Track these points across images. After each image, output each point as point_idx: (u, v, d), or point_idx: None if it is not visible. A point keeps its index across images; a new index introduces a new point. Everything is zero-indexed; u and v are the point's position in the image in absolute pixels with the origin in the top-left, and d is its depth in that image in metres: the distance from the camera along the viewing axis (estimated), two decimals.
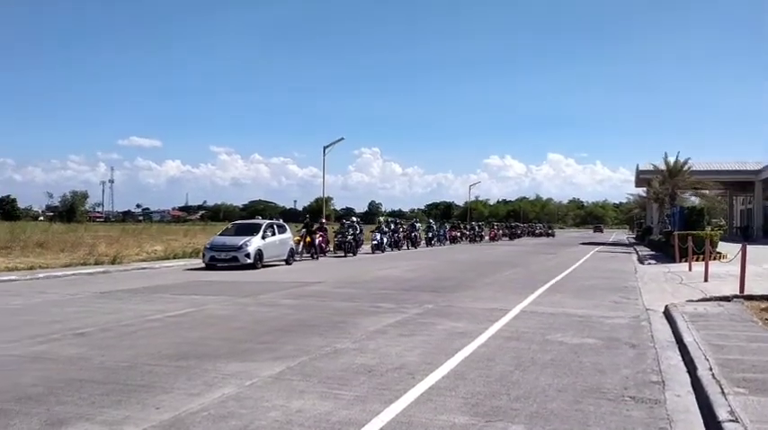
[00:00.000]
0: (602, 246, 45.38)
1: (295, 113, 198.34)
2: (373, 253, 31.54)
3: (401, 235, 36.99)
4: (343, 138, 39.57)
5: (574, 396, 5.82)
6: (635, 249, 39.17)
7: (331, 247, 29.70)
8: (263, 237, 22.22)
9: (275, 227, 23.72)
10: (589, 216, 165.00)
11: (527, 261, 27.06)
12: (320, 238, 27.97)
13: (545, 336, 8.83)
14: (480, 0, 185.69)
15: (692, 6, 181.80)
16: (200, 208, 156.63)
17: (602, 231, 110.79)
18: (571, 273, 20.68)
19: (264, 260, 21.84)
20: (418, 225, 44.12)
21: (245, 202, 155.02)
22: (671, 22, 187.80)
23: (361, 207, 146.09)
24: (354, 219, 32.62)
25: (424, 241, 41.30)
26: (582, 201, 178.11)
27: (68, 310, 11.24)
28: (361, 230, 31.66)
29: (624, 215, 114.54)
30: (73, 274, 17.88)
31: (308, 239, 26.72)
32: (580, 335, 8.97)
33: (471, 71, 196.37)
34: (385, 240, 33.43)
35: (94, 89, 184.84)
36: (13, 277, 16.50)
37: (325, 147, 37.65)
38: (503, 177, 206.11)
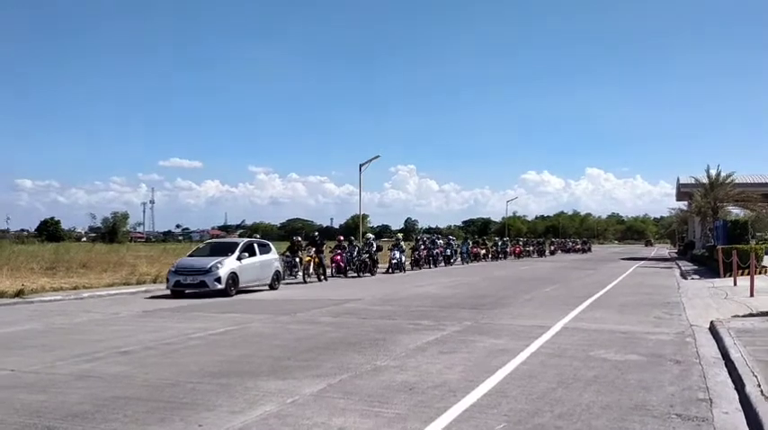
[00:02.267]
0: (643, 261, 44.64)
1: (331, 132, 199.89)
2: (391, 272, 29.22)
3: (421, 252, 33.76)
4: (378, 156, 39.73)
5: (619, 413, 5.72)
6: (677, 264, 38.45)
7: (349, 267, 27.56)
8: (240, 258, 18.86)
9: (256, 246, 20.44)
10: (629, 230, 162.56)
11: (566, 277, 26.73)
12: (338, 257, 26.69)
13: (587, 353, 8.71)
14: (518, 17, 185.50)
15: (733, 22, 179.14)
16: (238, 227, 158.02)
17: (652, 245, 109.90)
18: (612, 288, 20.37)
19: (240, 285, 18.64)
20: (454, 242, 42.60)
21: (283, 221, 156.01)
22: (712, 38, 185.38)
23: (397, 224, 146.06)
24: (370, 236, 30.43)
25: (442, 260, 37.61)
26: (622, 216, 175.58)
27: (112, 329, 11.44)
28: (377, 249, 29.50)
29: (665, 229, 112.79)
30: (116, 294, 18.19)
31: (315, 259, 23.80)
32: (623, 352, 8.82)
33: (507, 87, 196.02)
34: (404, 258, 30.80)
35: (137, 112, 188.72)
36: (58, 297, 16.84)
37: (361, 165, 37.90)
38: (541, 193, 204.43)
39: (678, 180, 53.22)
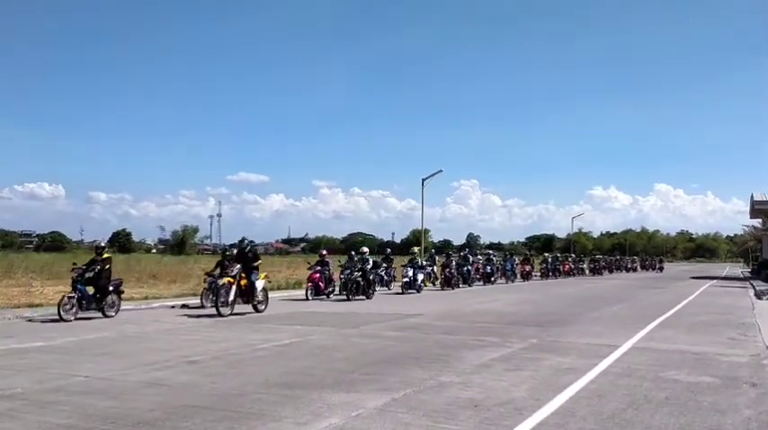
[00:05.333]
0: (714, 280, 43.18)
1: (394, 146, 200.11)
2: (402, 293, 25.17)
3: (452, 270, 29.49)
4: (441, 170, 39.28)
5: None
6: (751, 284, 37.00)
7: (336, 288, 22.90)
8: None
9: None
10: (699, 248, 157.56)
11: (634, 295, 26.07)
12: (316, 276, 22.03)
13: (658, 374, 8.46)
14: (585, 30, 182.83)
15: None
16: (301, 240, 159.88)
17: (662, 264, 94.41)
18: (683, 307, 19.77)
19: None
20: (496, 258, 37.75)
21: (345, 235, 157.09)
22: None
23: (459, 239, 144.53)
24: (365, 250, 24.05)
25: (481, 278, 33.76)
26: (691, 234, 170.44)
27: (180, 338, 11.70)
28: (385, 265, 26.84)
29: (738, 248, 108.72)
30: (184, 304, 18.58)
31: (242, 280, 16.22)
32: (696, 373, 8.54)
33: (573, 101, 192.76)
34: (420, 277, 26.40)
35: (207, 128, 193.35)
36: (129, 307, 17.30)
37: (423, 180, 37.80)
38: (607, 209, 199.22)
39: (752, 197, 51.46)
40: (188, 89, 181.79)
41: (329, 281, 22.64)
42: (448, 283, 28.82)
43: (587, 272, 52.70)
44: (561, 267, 46.51)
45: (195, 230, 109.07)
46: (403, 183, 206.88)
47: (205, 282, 18.25)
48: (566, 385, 7.60)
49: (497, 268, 35.92)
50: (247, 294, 16.25)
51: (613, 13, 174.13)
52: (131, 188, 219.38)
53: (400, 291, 25.30)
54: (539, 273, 43.18)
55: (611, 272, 57.45)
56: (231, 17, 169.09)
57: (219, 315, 15.20)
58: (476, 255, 35.79)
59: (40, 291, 20.52)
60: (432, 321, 14.96)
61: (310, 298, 21.24)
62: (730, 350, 10.77)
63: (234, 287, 15.85)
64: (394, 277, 28.36)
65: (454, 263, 30.38)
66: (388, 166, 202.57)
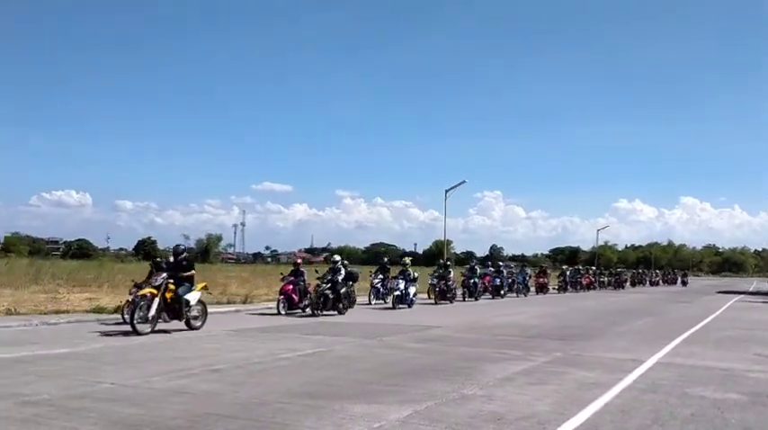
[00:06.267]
0: (741, 295, 42.55)
1: (418, 157, 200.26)
2: (394, 308, 22.66)
3: (451, 282, 27.06)
4: (465, 181, 39.46)
5: None
6: None
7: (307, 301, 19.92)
8: None
9: None
10: (726, 263, 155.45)
11: (660, 310, 25.78)
12: (289, 288, 19.55)
13: (684, 390, 8.35)
14: (612, 42, 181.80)
15: None
16: (324, 250, 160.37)
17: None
18: (709, 322, 19.49)
19: None
20: (507, 270, 35.32)
21: (367, 245, 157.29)
22: None
23: (482, 251, 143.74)
24: (337, 258, 21.05)
25: (488, 291, 31.72)
26: (718, 247, 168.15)
27: (204, 347, 11.78)
28: (381, 277, 24.99)
29: (766, 262, 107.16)
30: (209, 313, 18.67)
31: (168, 293, 13.88)
32: (722, 390, 8.41)
33: (598, 113, 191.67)
34: (412, 290, 24.11)
35: (232, 138, 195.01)
36: None
37: (446, 191, 37.82)
38: (632, 221, 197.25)
39: None
40: (214, 99, 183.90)
41: (304, 293, 19.73)
42: (443, 297, 26.28)
43: (608, 285, 50.80)
44: (581, 280, 44.92)
45: (219, 239, 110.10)
46: (426, 193, 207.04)
47: (131, 293, 15.51)
48: (590, 400, 7.53)
49: (512, 280, 34.24)
50: (173, 309, 13.99)
51: (641, 27, 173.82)
52: (157, 196, 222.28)
53: (390, 306, 23.12)
54: (556, 287, 41.74)
55: (633, 285, 55.97)
56: (260, 28, 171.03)
57: (135, 332, 12.98)
58: (487, 266, 33.96)
59: (66, 298, 20.76)
60: (453, 333, 14.89)
61: (282, 312, 19.02)
62: (758, 366, 10.59)
63: (156, 300, 13.53)
64: (390, 289, 25.12)
65: (451, 276, 27.53)
66: (411, 177, 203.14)
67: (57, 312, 17.07)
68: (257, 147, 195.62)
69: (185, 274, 14.47)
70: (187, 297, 14.19)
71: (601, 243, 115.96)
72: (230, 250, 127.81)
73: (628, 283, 55.22)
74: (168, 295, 13.82)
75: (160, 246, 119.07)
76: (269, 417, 6.40)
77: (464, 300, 28.34)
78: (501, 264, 35.52)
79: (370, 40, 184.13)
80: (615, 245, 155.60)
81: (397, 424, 6.27)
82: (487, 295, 31.64)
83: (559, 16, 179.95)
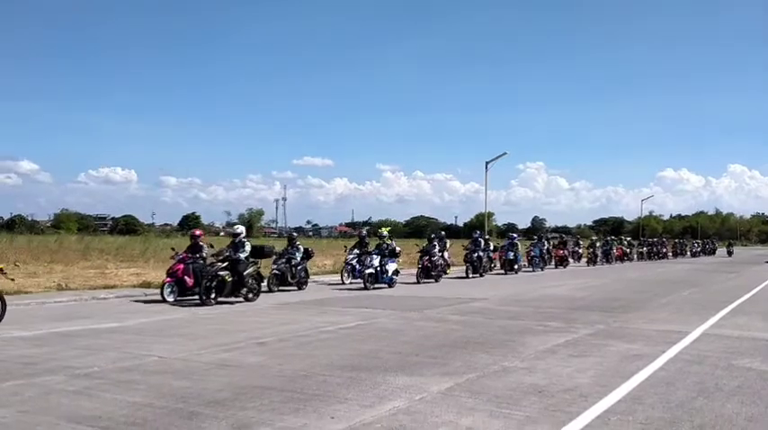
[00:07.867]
0: None
1: (458, 129, 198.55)
2: (366, 288, 19.06)
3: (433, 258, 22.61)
4: (506, 153, 39.15)
5: (765, 426, 5.39)
6: None
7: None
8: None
9: None
10: None
11: (705, 280, 25.32)
12: (180, 268, 15.39)
13: (730, 361, 8.23)
14: (658, 8, 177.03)
15: None
16: (365, 224, 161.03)
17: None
18: (757, 293, 19.10)
19: None
20: (519, 242, 30.71)
21: (408, 218, 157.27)
22: None
23: (524, 223, 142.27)
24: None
25: (498, 265, 28.71)
26: (767, 216, 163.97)
27: (250, 320, 11.99)
28: (305, 254, 19.86)
29: None
30: None
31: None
32: None
33: (641, 80, 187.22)
34: (392, 267, 20.53)
35: (274, 113, 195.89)
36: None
37: (487, 163, 37.56)
38: (678, 191, 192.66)
39: None
40: (256, 75, 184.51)
41: (201, 274, 15.28)
42: (427, 274, 22.46)
43: (647, 257, 47.64)
44: (613, 251, 41.25)
45: (260, 214, 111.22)
46: (466, 166, 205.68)
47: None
48: (633, 372, 7.47)
49: (518, 255, 29.35)
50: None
51: None
52: (201, 172, 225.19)
53: (363, 286, 19.41)
54: (585, 259, 39.22)
55: (674, 256, 53.22)
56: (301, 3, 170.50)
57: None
58: (533, 238, 31.05)
59: (114, 273, 21.29)
60: (495, 306, 14.87)
61: (169, 299, 15.04)
62: None
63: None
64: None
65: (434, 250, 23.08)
66: (452, 149, 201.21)
67: (105, 287, 17.53)
68: (298, 122, 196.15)
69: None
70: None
71: (645, 213, 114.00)
72: (272, 225, 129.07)
73: (670, 254, 52.91)
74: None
75: (204, 221, 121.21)
76: (312, 390, 6.50)
77: (467, 277, 24.96)
78: (515, 235, 30.97)
79: (415, 11, 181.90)
80: (661, 215, 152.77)
81: (438, 396, 6.31)
82: (499, 270, 28.55)
83: None
